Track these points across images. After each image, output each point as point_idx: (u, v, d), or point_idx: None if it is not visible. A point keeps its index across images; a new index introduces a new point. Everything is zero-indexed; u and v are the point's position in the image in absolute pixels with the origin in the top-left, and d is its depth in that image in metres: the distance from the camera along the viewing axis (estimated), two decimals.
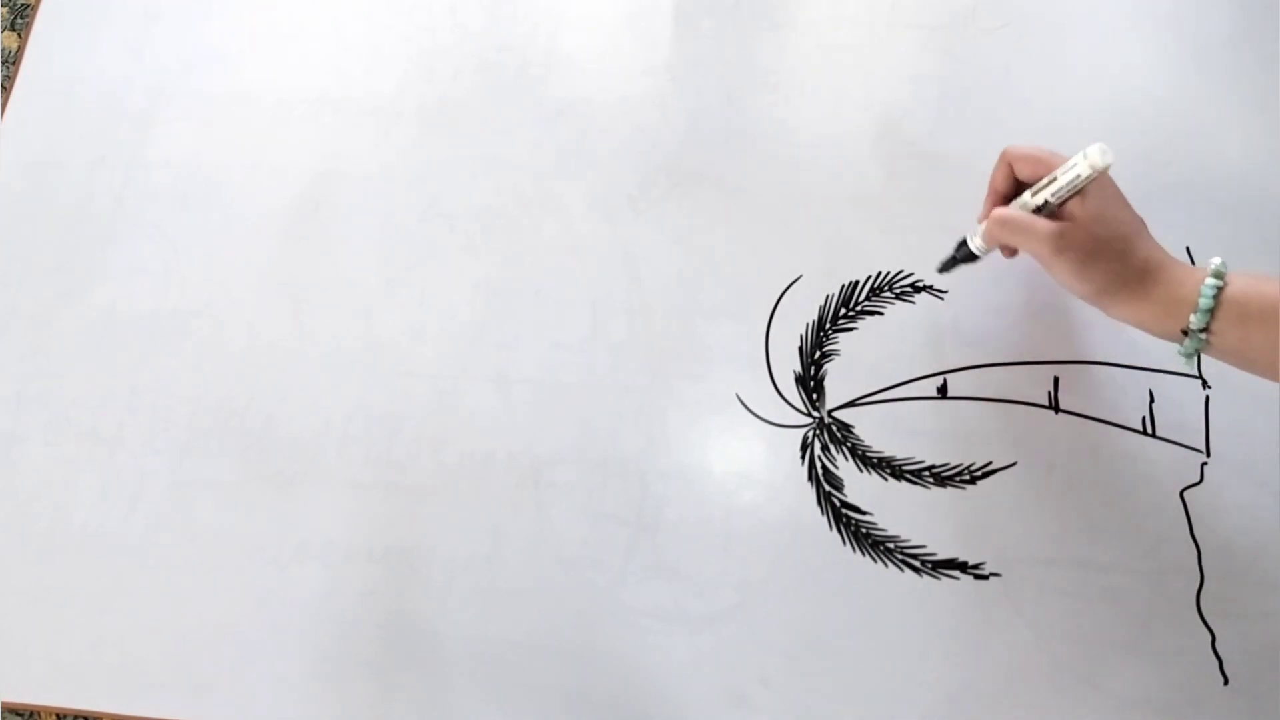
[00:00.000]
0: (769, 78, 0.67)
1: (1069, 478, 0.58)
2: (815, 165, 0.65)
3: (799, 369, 0.61)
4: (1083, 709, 0.54)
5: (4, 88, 0.74)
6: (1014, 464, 0.58)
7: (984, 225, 0.53)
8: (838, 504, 0.58)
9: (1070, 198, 0.49)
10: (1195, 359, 0.48)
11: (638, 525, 0.59)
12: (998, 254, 0.56)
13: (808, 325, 0.62)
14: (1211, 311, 0.46)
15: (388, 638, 0.59)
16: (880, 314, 0.61)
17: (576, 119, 0.68)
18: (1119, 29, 0.65)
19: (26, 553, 0.62)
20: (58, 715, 0.61)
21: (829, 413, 0.60)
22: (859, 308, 0.62)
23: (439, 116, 0.69)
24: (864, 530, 0.58)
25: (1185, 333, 0.47)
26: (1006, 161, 0.53)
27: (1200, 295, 0.46)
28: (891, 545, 0.57)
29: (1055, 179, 0.49)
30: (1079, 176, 0.48)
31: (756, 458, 0.60)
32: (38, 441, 0.65)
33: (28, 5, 0.77)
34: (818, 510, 0.58)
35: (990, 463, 0.58)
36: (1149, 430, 0.58)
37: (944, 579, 0.57)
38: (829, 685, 0.56)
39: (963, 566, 0.57)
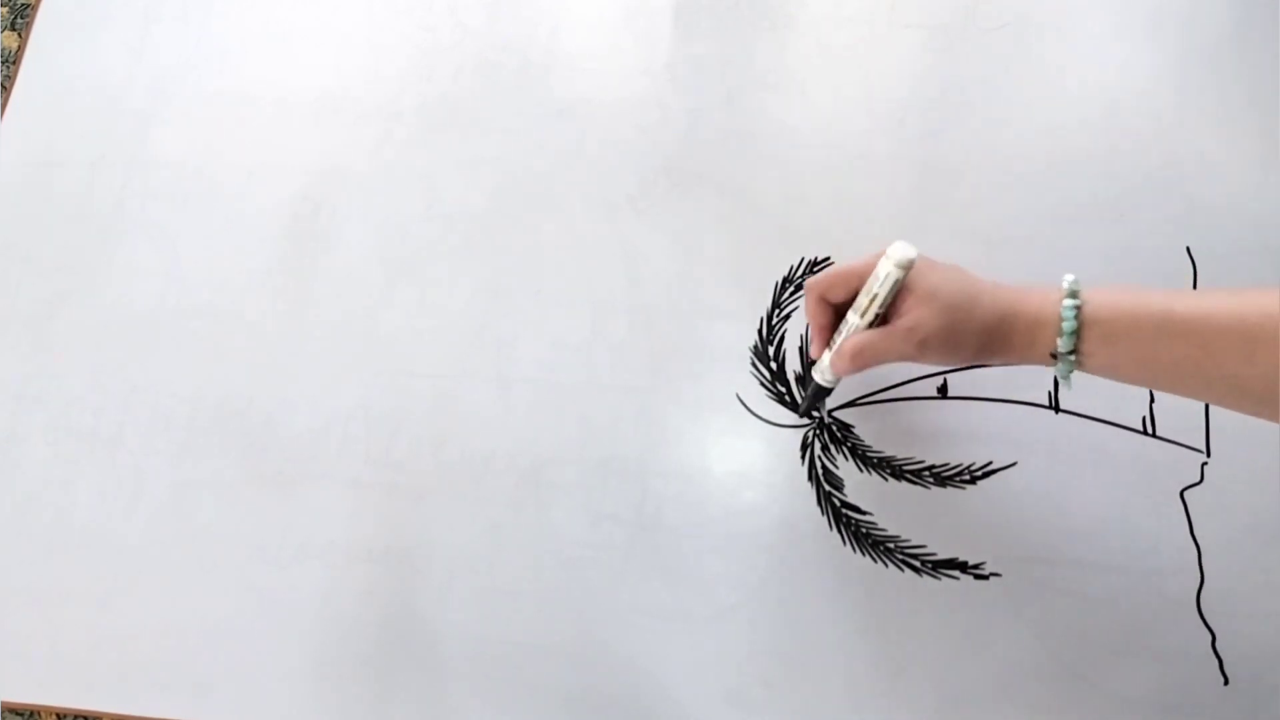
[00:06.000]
0: (769, 78, 0.67)
1: (1069, 478, 0.58)
2: (815, 165, 0.65)
3: (799, 369, 0.61)
4: (1083, 709, 0.54)
5: (4, 88, 0.74)
6: (1014, 464, 0.58)
7: (829, 359, 0.51)
8: (838, 504, 0.58)
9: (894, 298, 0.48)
10: (1070, 379, 0.47)
11: (638, 525, 0.59)
12: None
13: (808, 325, 0.62)
14: (1076, 333, 0.45)
15: (388, 638, 0.59)
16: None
17: (576, 119, 0.68)
18: (1118, 28, 0.65)
19: (27, 553, 0.62)
20: (58, 715, 0.61)
21: (829, 413, 0.60)
22: None
23: (439, 116, 0.69)
24: (864, 530, 0.58)
25: (1055, 356, 0.46)
26: (816, 295, 0.51)
27: (1062, 319, 0.45)
28: (891, 545, 0.57)
29: (875, 294, 0.48)
30: (896, 281, 0.47)
31: (756, 458, 0.60)
32: (38, 441, 0.65)
33: (28, 5, 0.77)
34: (818, 510, 0.58)
35: (990, 463, 0.58)
36: (1149, 430, 0.58)
37: (944, 579, 0.57)
38: (829, 685, 0.56)
39: (963, 566, 0.57)
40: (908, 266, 0.46)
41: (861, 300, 0.48)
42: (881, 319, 0.49)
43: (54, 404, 0.65)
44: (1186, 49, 0.65)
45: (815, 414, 0.60)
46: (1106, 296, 0.45)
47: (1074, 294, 0.45)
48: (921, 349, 0.47)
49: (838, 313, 0.51)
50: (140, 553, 0.62)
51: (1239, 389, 0.43)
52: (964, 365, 0.49)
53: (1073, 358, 0.46)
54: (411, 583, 0.60)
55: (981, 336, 0.47)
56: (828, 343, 0.52)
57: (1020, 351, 0.47)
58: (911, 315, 0.47)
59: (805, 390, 0.59)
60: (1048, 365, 0.47)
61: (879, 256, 0.48)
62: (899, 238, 0.47)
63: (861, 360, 0.49)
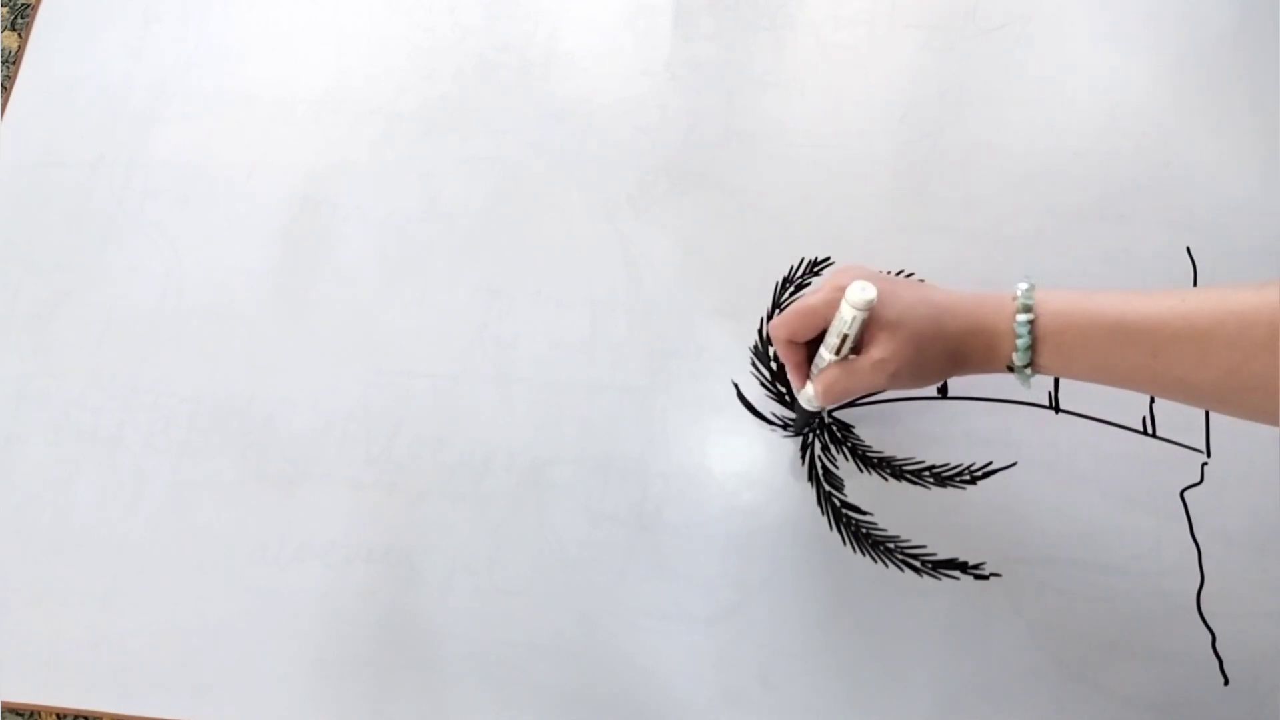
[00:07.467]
0: (769, 78, 0.67)
1: (1069, 478, 0.58)
2: (815, 165, 0.65)
3: None
4: (1083, 709, 0.54)
5: (4, 88, 0.74)
6: (1014, 464, 0.58)
7: (811, 391, 0.51)
8: (838, 504, 0.58)
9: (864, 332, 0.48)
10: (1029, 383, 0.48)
11: (638, 525, 0.59)
12: None
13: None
14: (1031, 347, 0.46)
15: (387, 638, 0.59)
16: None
17: (576, 119, 0.68)
18: (1118, 28, 0.65)
19: (26, 553, 0.62)
20: (58, 715, 0.61)
21: (829, 413, 0.60)
22: None
23: (439, 116, 0.69)
24: (864, 530, 0.58)
25: (1012, 369, 0.47)
26: (783, 338, 0.50)
27: (1016, 335, 0.45)
28: (891, 545, 0.57)
29: (845, 334, 0.47)
30: (863, 321, 0.46)
31: (756, 458, 0.60)
32: (38, 441, 0.65)
33: (28, 5, 0.77)
34: (818, 510, 0.58)
35: (990, 463, 0.58)
36: (1149, 430, 0.58)
37: (944, 579, 0.57)
38: (829, 685, 0.56)
39: (963, 566, 0.57)
40: (869, 307, 0.46)
41: (832, 340, 0.48)
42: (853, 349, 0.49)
43: (54, 404, 0.65)
44: (1186, 49, 0.65)
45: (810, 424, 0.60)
46: (1059, 306, 0.45)
47: (1027, 308, 0.46)
48: (892, 380, 0.48)
49: (809, 347, 0.51)
50: (140, 553, 0.62)
51: (1193, 391, 0.43)
52: (933, 384, 0.50)
53: (1028, 370, 0.46)
54: (411, 583, 0.59)
55: (946, 358, 0.48)
56: (807, 374, 0.52)
57: (979, 365, 0.48)
58: (879, 349, 0.47)
59: (794, 414, 0.59)
60: (1005, 374, 0.48)
61: (832, 290, 0.47)
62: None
63: (833, 396, 0.49)
